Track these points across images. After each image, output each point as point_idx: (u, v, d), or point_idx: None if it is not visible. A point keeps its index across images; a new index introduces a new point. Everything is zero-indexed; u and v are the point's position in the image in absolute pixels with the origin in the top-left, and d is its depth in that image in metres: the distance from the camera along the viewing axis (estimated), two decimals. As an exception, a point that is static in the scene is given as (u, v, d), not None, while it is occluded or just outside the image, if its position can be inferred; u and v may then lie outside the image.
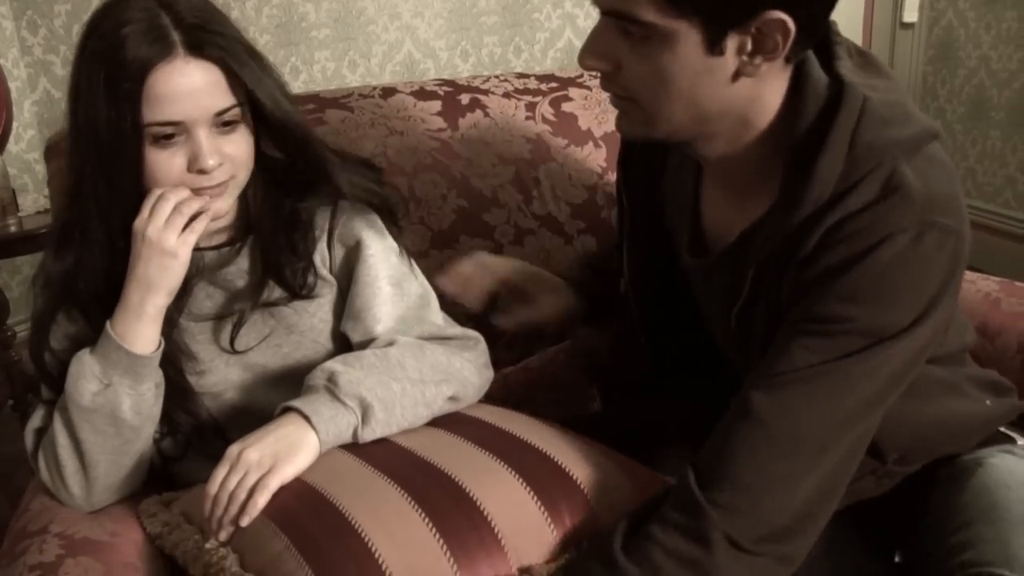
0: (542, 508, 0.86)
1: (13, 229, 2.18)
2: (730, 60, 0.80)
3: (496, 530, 0.83)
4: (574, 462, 0.91)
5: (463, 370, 1.01)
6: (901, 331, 0.81)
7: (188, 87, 0.88)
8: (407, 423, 0.94)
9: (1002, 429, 1.08)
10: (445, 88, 1.49)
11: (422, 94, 1.46)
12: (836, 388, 0.81)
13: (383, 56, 2.95)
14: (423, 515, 0.82)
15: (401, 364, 0.95)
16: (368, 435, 0.91)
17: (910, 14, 3.33)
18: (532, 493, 0.86)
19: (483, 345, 1.08)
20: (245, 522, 0.83)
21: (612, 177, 1.49)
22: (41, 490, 1.01)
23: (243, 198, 1.01)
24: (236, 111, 0.93)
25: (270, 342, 1.01)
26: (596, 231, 1.48)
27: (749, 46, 0.79)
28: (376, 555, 0.79)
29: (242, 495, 0.84)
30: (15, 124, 2.37)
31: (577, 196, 1.47)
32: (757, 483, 0.80)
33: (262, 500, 0.84)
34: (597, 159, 1.49)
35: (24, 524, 0.95)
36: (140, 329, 0.93)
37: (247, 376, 1.02)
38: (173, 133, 0.90)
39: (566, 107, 1.51)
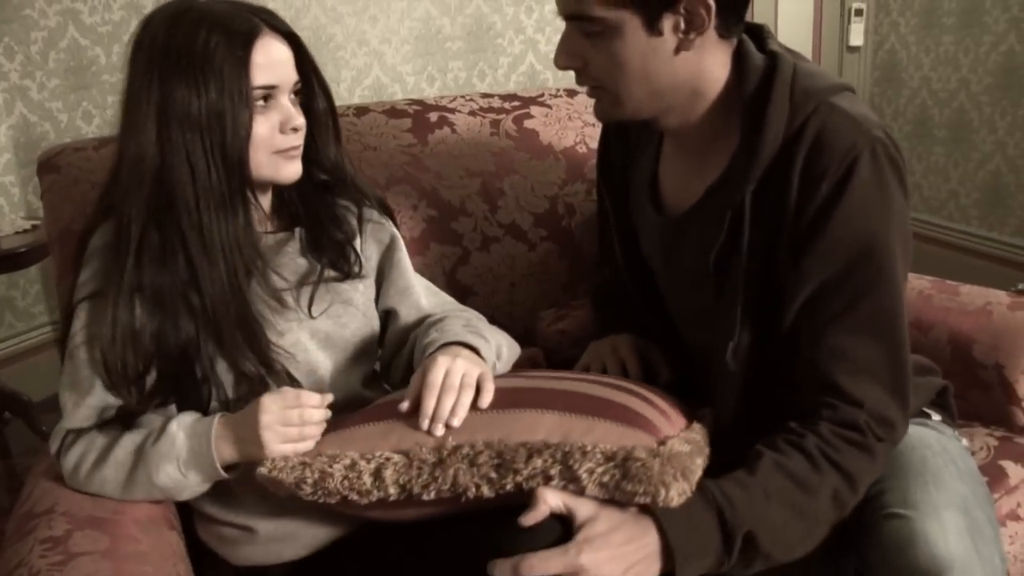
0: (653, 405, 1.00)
1: (-8, 249, 2.23)
2: (669, 38, 0.96)
3: (649, 405, 0.99)
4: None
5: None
6: (892, 231, 0.97)
7: (279, 56, 1.03)
8: (507, 368, 1.13)
9: (924, 408, 1.20)
10: (415, 107, 1.58)
11: (393, 112, 1.56)
12: (877, 296, 0.97)
13: (352, 81, 3.04)
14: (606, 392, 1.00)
15: (486, 325, 1.14)
16: (500, 368, 1.09)
17: (856, 38, 3.48)
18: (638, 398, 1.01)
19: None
20: (486, 402, 0.95)
21: (571, 188, 1.60)
22: (42, 476, 1.08)
23: (286, 190, 1.12)
24: (299, 89, 1.07)
25: (330, 312, 1.11)
26: (557, 238, 1.58)
27: (682, 24, 0.96)
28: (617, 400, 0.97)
29: (472, 382, 0.96)
30: (-8, 148, 2.43)
31: (539, 206, 1.57)
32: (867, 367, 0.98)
33: (491, 385, 0.97)
34: (557, 171, 1.60)
35: (29, 508, 1.02)
36: (229, 451, 0.99)
37: (312, 341, 1.10)
38: (268, 96, 1.02)
39: (528, 124, 1.62)
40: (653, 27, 0.95)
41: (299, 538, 1.04)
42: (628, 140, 1.22)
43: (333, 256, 1.14)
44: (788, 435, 0.98)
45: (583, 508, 0.89)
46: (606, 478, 0.88)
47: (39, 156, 1.39)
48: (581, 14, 0.96)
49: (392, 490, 0.92)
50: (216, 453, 0.97)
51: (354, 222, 1.18)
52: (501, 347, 1.10)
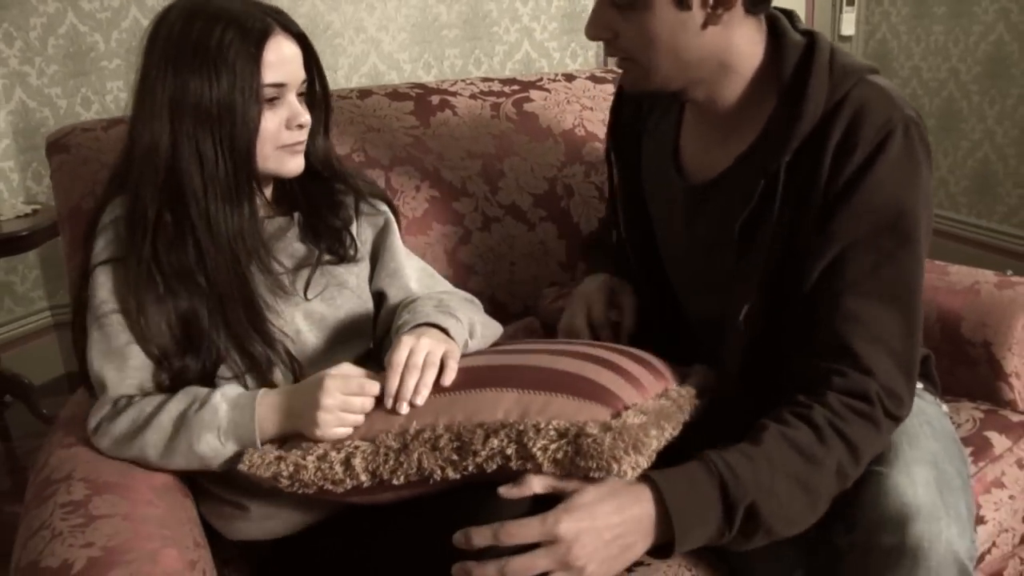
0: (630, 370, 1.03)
1: (-8, 234, 2.25)
2: (697, 13, 1.00)
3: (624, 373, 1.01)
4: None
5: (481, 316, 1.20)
6: (919, 204, 1.00)
7: (290, 55, 1.07)
8: (483, 346, 1.14)
9: None
10: (416, 91, 1.61)
11: (396, 96, 1.59)
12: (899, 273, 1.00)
13: (349, 68, 3.06)
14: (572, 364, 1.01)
15: (460, 305, 1.15)
16: (474, 346, 1.10)
17: (847, 27, 3.52)
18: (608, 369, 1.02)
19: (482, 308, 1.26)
20: (448, 380, 0.97)
21: (570, 170, 1.63)
22: (58, 445, 1.10)
23: (288, 180, 1.15)
24: (305, 86, 1.11)
25: (326, 295, 1.15)
26: (556, 219, 1.61)
27: (711, 0, 0.99)
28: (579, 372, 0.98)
29: (436, 360, 0.98)
30: (-9, 133, 2.44)
31: (538, 187, 1.60)
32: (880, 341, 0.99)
33: (454, 363, 0.99)
34: (556, 154, 1.63)
35: (47, 475, 1.04)
36: (272, 425, 1.01)
37: (309, 324, 1.14)
38: (276, 95, 1.06)
39: (528, 107, 1.64)
40: (682, 1, 0.98)
41: (289, 517, 1.06)
42: (642, 108, 1.26)
43: (330, 241, 1.18)
44: (795, 407, 1.00)
45: (572, 482, 0.91)
46: (559, 455, 0.89)
47: (48, 136, 1.42)
48: None
49: (363, 477, 0.94)
50: (258, 426, 1.00)
51: (351, 207, 1.22)
52: (474, 326, 1.12)
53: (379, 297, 1.21)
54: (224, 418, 1.01)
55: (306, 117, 1.09)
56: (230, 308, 1.05)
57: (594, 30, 1.05)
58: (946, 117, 3.26)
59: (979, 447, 1.30)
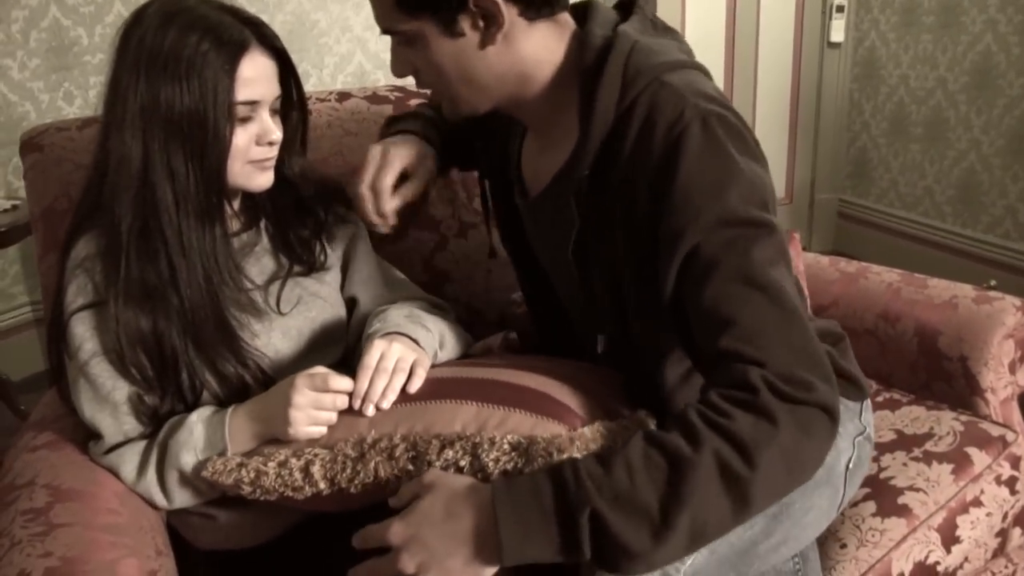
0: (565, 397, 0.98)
1: (-30, 229, 2.23)
2: (471, 36, 0.94)
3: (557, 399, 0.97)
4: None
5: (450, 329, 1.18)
6: (734, 193, 0.90)
7: (265, 71, 1.04)
8: (453, 356, 1.13)
9: None
10: (396, 94, 1.60)
11: (375, 99, 1.57)
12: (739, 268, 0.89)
13: (335, 67, 3.05)
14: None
15: (430, 315, 1.15)
16: (443, 357, 1.10)
17: (836, 34, 3.51)
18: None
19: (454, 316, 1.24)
20: (414, 387, 0.98)
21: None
22: (24, 449, 1.09)
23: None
24: (279, 100, 1.08)
25: (300, 308, 1.14)
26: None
27: (480, 21, 0.93)
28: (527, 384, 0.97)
29: (406, 367, 0.99)
30: (-28, 127, 2.42)
31: (519, 193, 1.59)
32: (757, 328, 0.88)
33: (423, 372, 0.99)
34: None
35: (11, 480, 1.03)
36: (246, 435, 1.01)
37: (284, 339, 1.12)
38: (249, 113, 1.03)
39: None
40: (452, 30, 0.94)
41: (257, 526, 1.06)
42: (486, 127, 1.20)
43: (299, 250, 1.16)
44: (678, 414, 0.88)
45: (414, 483, 0.88)
46: (510, 466, 0.90)
47: (21, 135, 1.40)
48: (387, 28, 0.98)
49: (322, 484, 0.94)
50: (229, 441, 0.99)
51: (321, 214, 1.20)
52: (444, 337, 1.12)
53: (351, 303, 1.20)
54: (200, 437, 1.00)
55: (277, 134, 1.07)
56: (201, 327, 1.03)
57: (396, 68, 1.02)
58: (933, 126, 3.27)
59: (959, 464, 1.30)
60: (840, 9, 3.47)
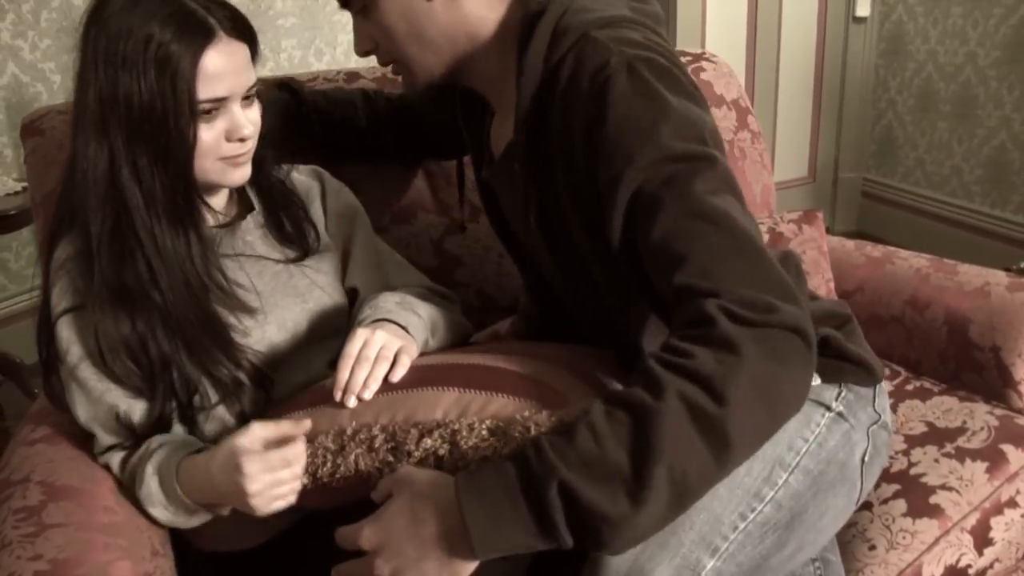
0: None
1: (-18, 211, 2.21)
2: None
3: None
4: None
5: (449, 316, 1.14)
6: (667, 129, 0.86)
7: (232, 66, 0.95)
8: (447, 344, 1.09)
9: None
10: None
11: (384, 80, 1.53)
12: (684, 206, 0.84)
13: (348, 45, 3.00)
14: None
15: (425, 301, 1.10)
16: (435, 344, 1.06)
17: (862, 8, 3.42)
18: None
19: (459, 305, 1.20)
20: (397, 376, 0.93)
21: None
22: (22, 443, 1.06)
23: None
24: (255, 85, 1.01)
25: (296, 299, 1.09)
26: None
27: None
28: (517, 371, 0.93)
29: (389, 355, 0.94)
30: (-17, 108, 2.40)
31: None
32: (709, 262, 0.82)
33: (407, 359, 0.95)
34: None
35: (7, 475, 1.00)
36: (202, 495, 0.95)
37: (280, 333, 1.08)
38: (216, 108, 0.96)
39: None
40: None
41: (252, 527, 1.02)
42: (470, 110, 1.17)
43: (292, 234, 1.12)
44: (637, 368, 0.82)
45: (389, 479, 0.85)
46: (489, 452, 0.86)
47: (23, 119, 1.37)
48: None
49: (304, 479, 0.92)
50: (188, 499, 0.95)
51: (316, 196, 1.16)
52: (437, 324, 1.07)
53: (352, 293, 1.16)
54: (158, 494, 0.96)
55: (248, 129, 0.98)
56: (187, 329, 0.98)
57: (358, 45, 1.03)
58: (962, 103, 3.18)
59: (994, 462, 1.24)
60: (866, -18, 3.38)
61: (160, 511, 0.97)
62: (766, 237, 1.53)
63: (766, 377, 0.76)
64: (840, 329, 1.10)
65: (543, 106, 0.94)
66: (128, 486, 1.00)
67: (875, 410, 1.09)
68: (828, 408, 1.04)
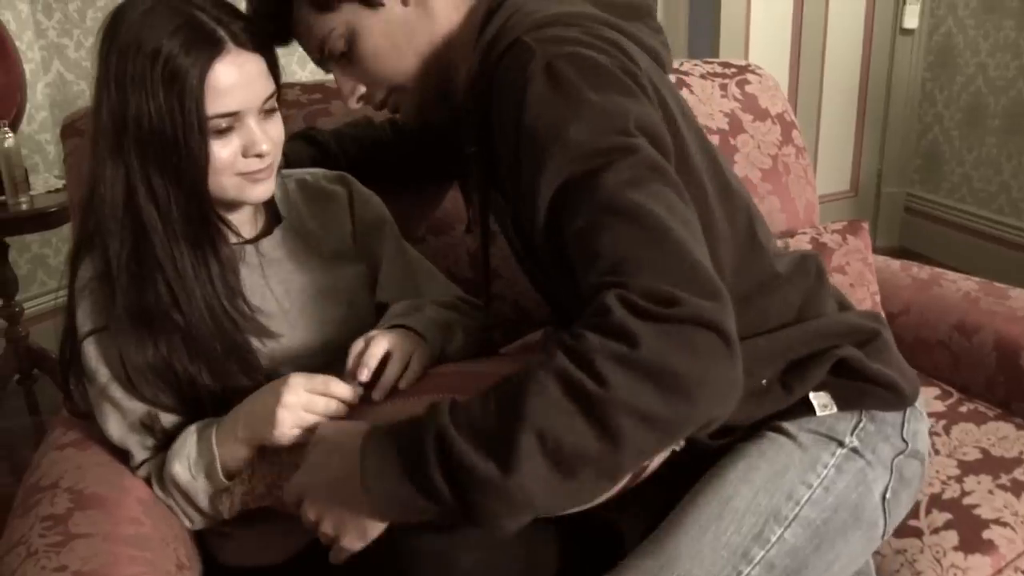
0: None
1: (24, 207, 2.23)
2: (390, 2, 0.94)
3: None
4: None
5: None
6: (585, 123, 0.83)
7: (243, 79, 0.92)
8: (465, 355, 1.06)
9: (810, 395, 1.00)
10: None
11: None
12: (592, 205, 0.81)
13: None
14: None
15: (443, 311, 1.08)
16: (452, 352, 1.02)
17: (910, 20, 3.36)
18: None
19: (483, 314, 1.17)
20: (406, 382, 0.92)
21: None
22: (52, 447, 1.06)
23: None
24: (275, 96, 0.98)
25: (322, 314, 1.07)
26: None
27: None
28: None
29: (402, 357, 0.93)
30: (28, 105, 2.42)
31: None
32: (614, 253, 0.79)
33: (418, 366, 0.93)
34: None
35: (36, 479, 1.00)
36: (236, 449, 0.95)
37: (305, 348, 1.06)
38: (230, 124, 0.93)
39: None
40: (370, 2, 0.93)
41: (274, 544, 1.01)
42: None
43: (321, 247, 1.10)
44: None
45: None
46: None
47: (63, 119, 1.37)
48: (321, 45, 0.95)
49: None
50: (217, 448, 0.94)
51: (343, 203, 1.14)
52: (454, 331, 1.04)
53: (382, 308, 1.13)
54: (192, 447, 0.96)
55: (265, 145, 0.95)
56: (209, 352, 0.97)
57: (351, 95, 1.00)
58: (1012, 118, 3.10)
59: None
60: (916, -6, 3.32)
61: (180, 468, 0.95)
62: (808, 248, 1.49)
63: (663, 365, 0.71)
64: (865, 346, 1.01)
65: (485, 118, 0.92)
66: (160, 480, 1.00)
67: (903, 438, 1.01)
68: (840, 443, 0.97)
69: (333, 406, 0.91)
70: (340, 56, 0.97)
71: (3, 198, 2.22)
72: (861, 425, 0.99)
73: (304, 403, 0.90)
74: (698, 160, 0.96)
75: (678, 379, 0.71)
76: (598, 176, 0.80)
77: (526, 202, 0.85)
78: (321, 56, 0.98)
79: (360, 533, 0.83)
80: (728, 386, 0.75)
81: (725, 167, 1.02)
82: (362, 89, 1.00)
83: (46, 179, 2.48)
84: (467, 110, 0.95)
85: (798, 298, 1.02)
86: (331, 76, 1.01)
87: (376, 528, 0.83)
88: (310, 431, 0.90)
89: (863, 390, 0.98)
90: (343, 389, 0.91)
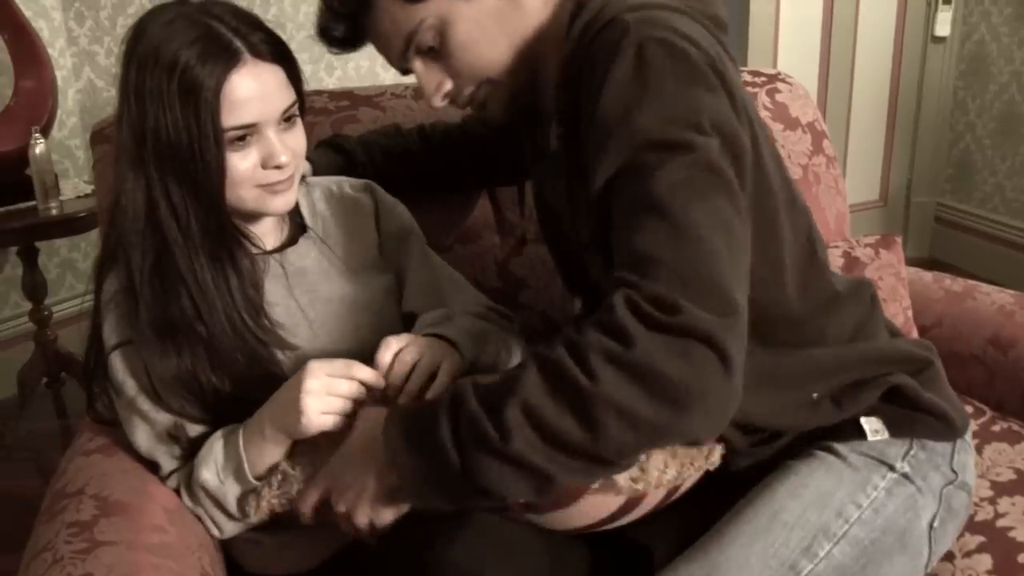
0: None
1: (54, 212, 2.24)
2: None
3: None
4: None
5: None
6: (654, 116, 0.82)
7: (260, 91, 0.92)
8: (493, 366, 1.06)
9: (861, 418, 1.00)
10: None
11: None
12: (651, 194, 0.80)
13: (358, 59, 2.98)
14: None
15: (475, 321, 1.07)
16: (485, 365, 1.02)
17: (942, 28, 3.32)
18: None
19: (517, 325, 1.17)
20: (433, 393, 0.91)
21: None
22: (78, 452, 1.06)
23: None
24: (296, 106, 0.97)
25: (347, 324, 1.06)
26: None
27: None
28: None
29: (426, 365, 0.92)
30: (59, 111, 2.45)
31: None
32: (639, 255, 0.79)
33: (446, 377, 0.92)
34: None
35: (62, 485, 1.00)
36: (265, 448, 0.95)
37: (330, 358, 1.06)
38: (247, 135, 0.93)
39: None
40: None
41: (302, 551, 1.01)
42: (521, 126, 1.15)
43: (346, 256, 1.10)
44: None
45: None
46: None
47: (93, 126, 1.38)
48: (408, 39, 0.93)
49: None
50: (244, 450, 0.94)
51: (368, 208, 1.14)
52: (488, 341, 1.04)
53: (410, 318, 1.12)
54: (219, 452, 0.96)
55: (284, 156, 0.94)
56: (232, 364, 0.97)
57: (436, 93, 0.98)
58: (1046, 128, 3.06)
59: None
60: (947, 0, 3.27)
61: (209, 475, 0.95)
62: (840, 262, 1.47)
63: (654, 369, 0.72)
64: (918, 375, 1.02)
65: (575, 96, 0.89)
66: (189, 488, 0.99)
67: (952, 469, 1.01)
68: (891, 468, 0.97)
69: (355, 387, 0.90)
70: (428, 50, 0.95)
71: (34, 203, 2.24)
72: (912, 452, 0.98)
73: (326, 386, 0.89)
74: (771, 168, 0.95)
75: (667, 385, 0.72)
76: (652, 170, 0.79)
77: (587, 182, 0.85)
78: (405, 52, 0.95)
79: (380, 502, 0.86)
80: (718, 402, 0.74)
81: (791, 181, 1.01)
82: (448, 85, 0.97)
83: (75, 184, 2.50)
84: (556, 98, 0.93)
85: (852, 321, 1.03)
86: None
87: (399, 496, 0.86)
88: (338, 416, 0.90)
89: (915, 418, 0.99)
90: (365, 371, 0.91)
